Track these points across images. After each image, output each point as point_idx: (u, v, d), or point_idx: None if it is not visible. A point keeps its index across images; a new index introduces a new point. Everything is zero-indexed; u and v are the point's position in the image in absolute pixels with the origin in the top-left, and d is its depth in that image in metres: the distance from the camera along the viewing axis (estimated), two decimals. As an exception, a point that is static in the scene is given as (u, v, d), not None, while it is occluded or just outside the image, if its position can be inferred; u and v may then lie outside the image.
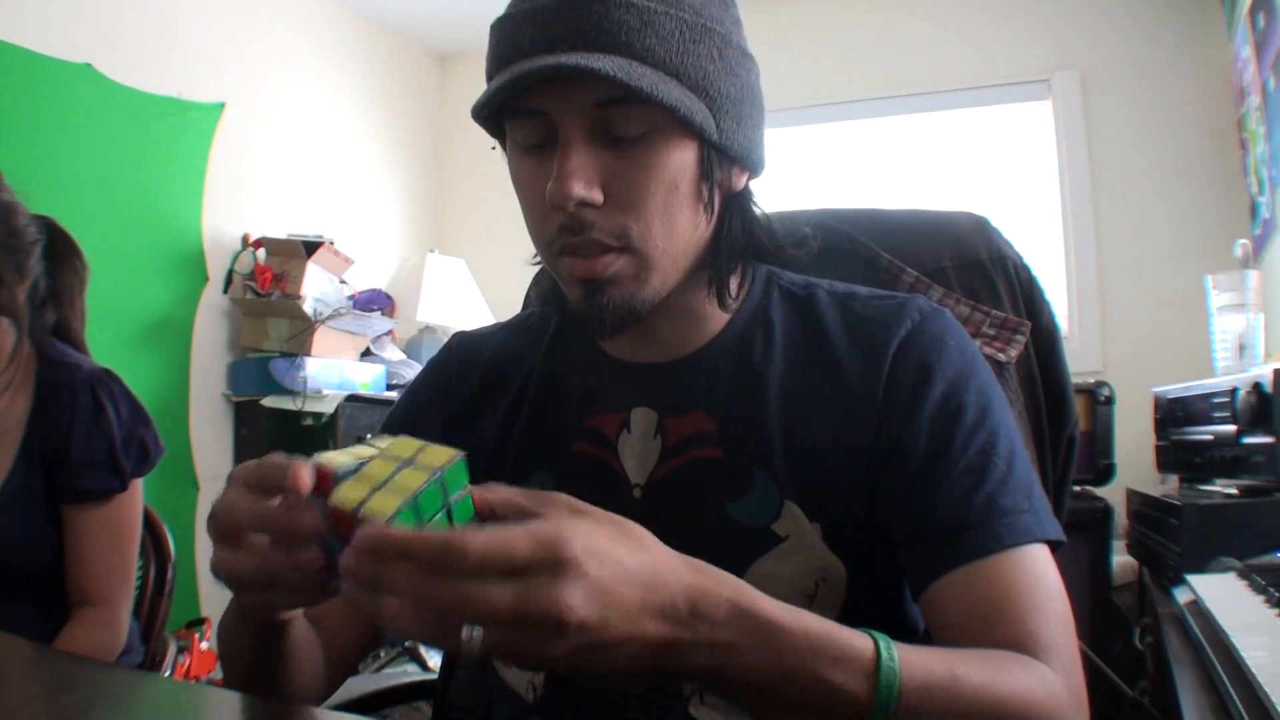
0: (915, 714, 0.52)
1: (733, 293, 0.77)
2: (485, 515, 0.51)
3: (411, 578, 0.45)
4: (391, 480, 0.49)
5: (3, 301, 1.21)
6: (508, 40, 0.68)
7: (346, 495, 0.48)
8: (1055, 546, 0.67)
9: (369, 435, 0.62)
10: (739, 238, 0.76)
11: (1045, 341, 0.92)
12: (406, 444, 0.52)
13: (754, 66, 0.74)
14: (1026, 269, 0.93)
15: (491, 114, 0.69)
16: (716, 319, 0.78)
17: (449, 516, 0.50)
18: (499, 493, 0.51)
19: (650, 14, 0.65)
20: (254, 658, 0.68)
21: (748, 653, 0.50)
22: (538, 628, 0.45)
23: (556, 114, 0.67)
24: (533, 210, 0.71)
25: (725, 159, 0.72)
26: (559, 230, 0.68)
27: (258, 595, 0.56)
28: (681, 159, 0.69)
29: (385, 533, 0.45)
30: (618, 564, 0.47)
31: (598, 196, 0.67)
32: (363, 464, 0.50)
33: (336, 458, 0.52)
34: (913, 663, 0.53)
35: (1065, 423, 0.92)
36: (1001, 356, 0.88)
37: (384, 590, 0.45)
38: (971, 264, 0.92)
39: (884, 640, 0.54)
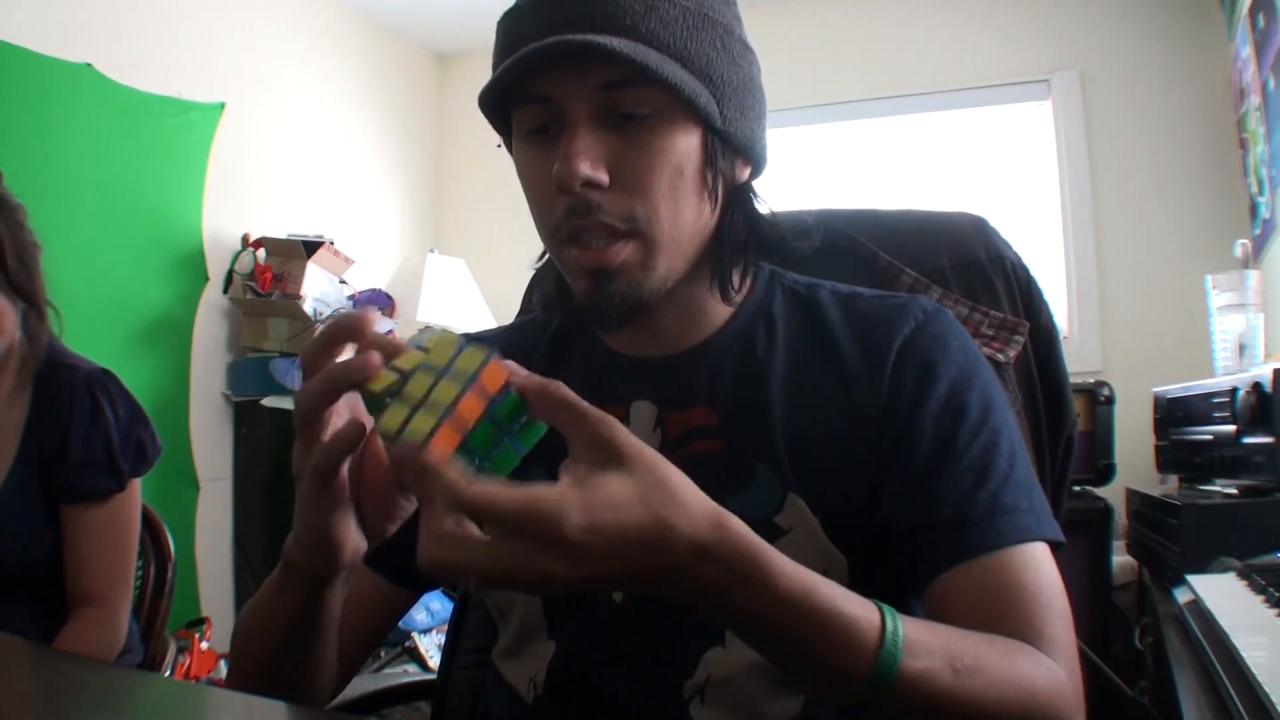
0: (909, 698, 0.52)
1: (736, 286, 0.77)
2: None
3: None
4: (429, 400, 0.50)
5: None
6: (514, 29, 0.69)
7: (388, 423, 0.50)
8: (1055, 548, 0.67)
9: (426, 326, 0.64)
10: (741, 229, 0.76)
11: (1044, 342, 0.92)
12: (445, 344, 0.53)
13: (755, 60, 0.75)
14: (1025, 269, 0.93)
15: (497, 101, 0.70)
16: (719, 314, 0.78)
17: (517, 445, 0.53)
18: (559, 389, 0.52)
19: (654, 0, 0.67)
20: (287, 631, 0.67)
21: (747, 613, 0.52)
22: (525, 581, 0.48)
23: (562, 97, 0.67)
24: (539, 197, 0.71)
25: (728, 148, 0.73)
26: (565, 214, 0.68)
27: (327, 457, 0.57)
28: (686, 144, 0.69)
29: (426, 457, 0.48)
30: (617, 533, 0.48)
31: (603, 177, 0.67)
32: (406, 376, 0.53)
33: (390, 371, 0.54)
34: (916, 647, 0.53)
35: (1064, 423, 0.92)
36: (1000, 357, 0.88)
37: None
38: (970, 264, 0.92)
39: (891, 619, 0.53)
